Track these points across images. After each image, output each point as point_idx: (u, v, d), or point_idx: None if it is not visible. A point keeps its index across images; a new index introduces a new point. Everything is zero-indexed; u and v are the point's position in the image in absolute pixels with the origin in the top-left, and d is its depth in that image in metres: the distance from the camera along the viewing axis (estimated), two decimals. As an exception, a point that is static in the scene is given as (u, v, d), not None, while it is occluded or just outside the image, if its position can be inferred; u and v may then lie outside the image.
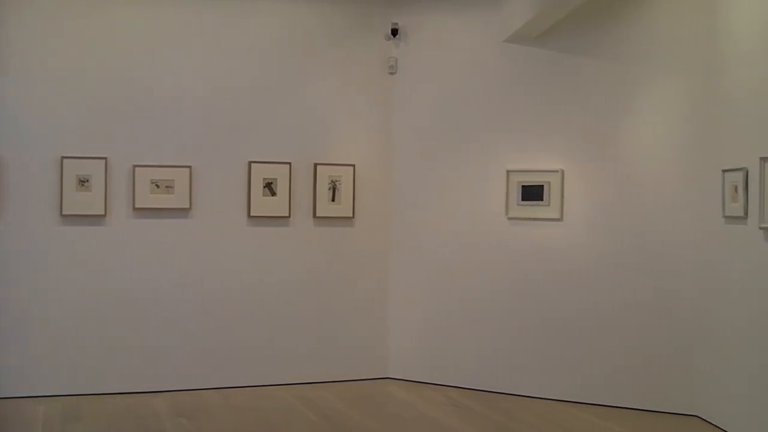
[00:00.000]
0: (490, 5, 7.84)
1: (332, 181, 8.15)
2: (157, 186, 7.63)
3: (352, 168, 8.20)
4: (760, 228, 5.96)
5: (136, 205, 7.58)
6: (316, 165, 8.09)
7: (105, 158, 7.50)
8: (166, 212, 7.68)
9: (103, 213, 7.50)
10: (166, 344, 7.70)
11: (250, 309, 7.94)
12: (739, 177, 6.29)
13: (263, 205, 7.93)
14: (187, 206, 7.72)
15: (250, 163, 7.88)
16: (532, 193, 7.67)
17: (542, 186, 7.63)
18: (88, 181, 7.46)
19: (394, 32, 8.19)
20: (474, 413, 7.13)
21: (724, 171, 6.53)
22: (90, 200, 7.47)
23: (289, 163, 8.00)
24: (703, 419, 6.86)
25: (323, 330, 8.17)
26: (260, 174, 7.92)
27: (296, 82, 8.07)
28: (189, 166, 7.71)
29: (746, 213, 6.22)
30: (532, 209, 7.68)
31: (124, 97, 7.58)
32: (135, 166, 7.57)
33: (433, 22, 8.17)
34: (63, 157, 7.42)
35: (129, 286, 7.60)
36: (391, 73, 8.29)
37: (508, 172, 7.78)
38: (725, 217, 6.54)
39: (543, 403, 7.46)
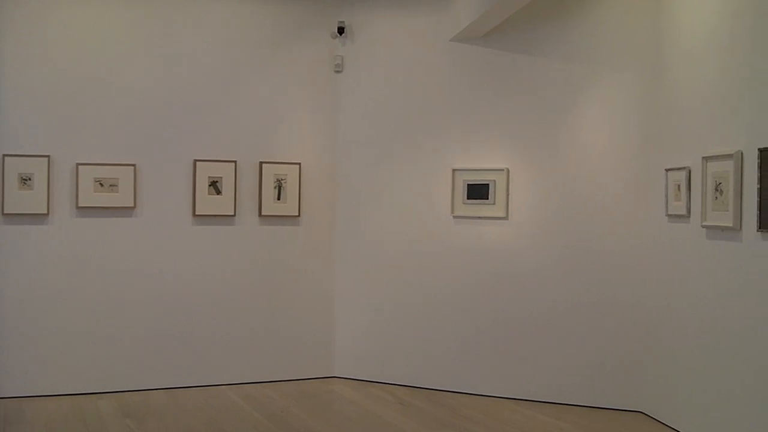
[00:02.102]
0: (437, 4, 7.88)
1: (278, 180, 8.12)
2: (101, 184, 7.53)
3: (297, 166, 8.18)
4: (702, 226, 6.06)
5: (80, 204, 7.48)
6: (261, 163, 8.06)
7: (48, 156, 7.38)
8: (110, 211, 7.58)
9: (45, 212, 7.39)
10: (111, 344, 7.61)
11: (195, 309, 7.88)
12: (681, 176, 6.40)
13: (208, 203, 7.88)
14: (132, 205, 7.63)
15: (195, 161, 7.83)
16: (478, 191, 7.72)
17: (487, 185, 7.68)
18: (30, 179, 7.34)
19: (341, 30, 8.19)
20: (420, 411, 7.15)
21: (667, 170, 6.63)
22: (32, 199, 7.35)
23: (235, 162, 7.96)
24: (647, 415, 6.97)
25: (269, 329, 8.14)
26: (205, 172, 7.87)
27: (242, 80, 8.02)
28: (133, 165, 7.63)
29: (689, 212, 6.33)
30: (478, 208, 7.73)
31: (68, 95, 7.47)
32: (78, 164, 7.46)
33: (380, 21, 8.18)
34: (5, 155, 7.29)
35: (71, 285, 7.49)
36: (338, 72, 8.29)
37: (453, 170, 7.82)
38: (668, 215, 6.65)
39: (489, 400, 7.52)
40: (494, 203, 7.67)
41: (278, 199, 8.14)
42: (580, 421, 6.86)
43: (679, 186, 6.44)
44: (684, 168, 6.35)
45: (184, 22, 7.83)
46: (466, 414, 7.03)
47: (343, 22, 8.20)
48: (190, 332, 7.86)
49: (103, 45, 7.59)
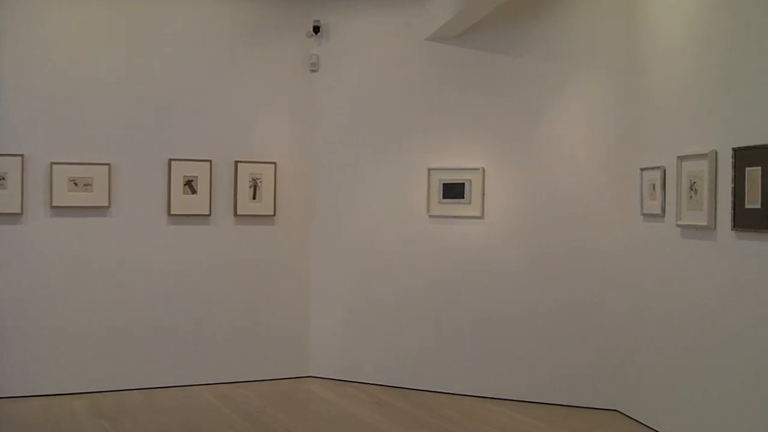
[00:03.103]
0: (412, 4, 7.88)
1: (253, 179, 8.10)
2: (76, 184, 7.48)
3: (273, 166, 8.17)
4: (677, 225, 6.10)
5: (54, 204, 7.42)
6: (237, 163, 8.03)
7: (21, 155, 7.31)
8: (85, 210, 7.53)
9: (19, 211, 7.33)
10: (85, 344, 7.55)
11: (170, 309, 7.84)
12: (656, 175, 6.43)
13: (183, 203, 7.85)
14: (106, 204, 7.59)
15: (170, 160, 7.79)
16: (453, 190, 7.74)
17: (463, 184, 7.70)
18: (4, 178, 7.27)
19: (316, 30, 8.18)
20: (397, 410, 7.16)
21: (642, 169, 6.67)
22: (6, 198, 7.28)
23: (210, 161, 7.93)
24: (622, 413, 7.01)
25: (245, 329, 8.11)
26: (180, 172, 7.83)
27: (217, 79, 7.99)
28: (108, 164, 7.58)
29: (664, 211, 6.37)
30: (454, 207, 7.75)
31: (42, 94, 7.42)
32: (52, 163, 7.40)
33: (355, 20, 8.18)
34: (-23, 154, 7.25)
35: (46, 285, 7.43)
36: (313, 71, 8.28)
37: (429, 170, 7.83)
38: (643, 215, 6.69)
39: (465, 399, 7.53)
40: (470, 203, 7.68)
41: (254, 198, 8.11)
42: (557, 419, 6.88)
43: (654, 185, 6.48)
44: (659, 167, 6.39)
45: (158, 21, 7.79)
46: (444, 413, 7.04)
47: (318, 21, 8.19)
48: (164, 332, 7.82)
49: (77, 44, 7.54)
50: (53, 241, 7.46)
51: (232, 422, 6.70)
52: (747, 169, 5.20)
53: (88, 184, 7.52)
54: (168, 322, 7.83)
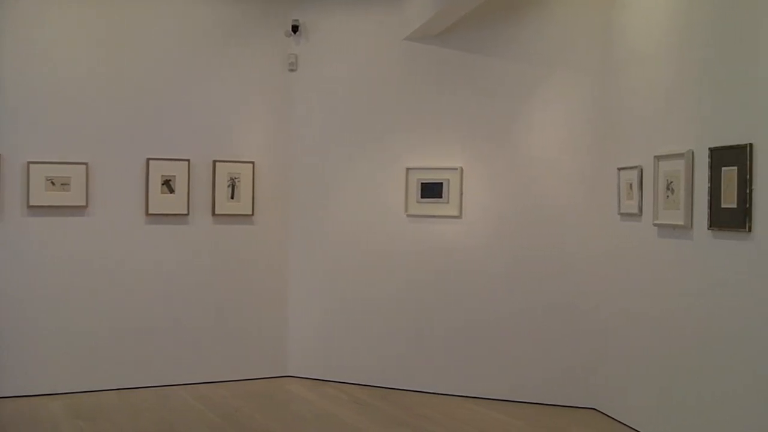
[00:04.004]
0: (390, 4, 7.89)
1: (231, 179, 8.08)
2: (53, 183, 7.44)
3: (251, 165, 8.15)
4: (654, 225, 6.14)
5: (31, 203, 7.38)
6: (215, 162, 8.02)
7: (-2, 155, 7.31)
8: (62, 210, 7.49)
9: (-4, 211, 7.31)
10: (62, 345, 7.51)
11: (148, 309, 7.81)
12: (633, 175, 6.47)
13: (161, 202, 7.82)
14: (84, 204, 7.55)
15: (148, 159, 7.76)
16: (432, 190, 7.75)
17: (441, 183, 7.71)
18: (-20, 178, 7.25)
19: (295, 29, 8.17)
20: (375, 409, 7.17)
21: (619, 169, 6.71)
22: (-18, 198, 7.26)
23: (188, 160, 7.91)
24: (600, 411, 7.05)
25: (222, 328, 8.10)
26: (158, 171, 7.81)
27: (195, 79, 7.97)
28: (85, 163, 7.54)
29: (641, 210, 6.40)
30: (432, 206, 7.76)
31: (19, 92, 7.37)
32: (29, 162, 7.36)
33: (334, 20, 8.18)
34: (-47, 154, 7.21)
35: (22, 285, 7.39)
36: (291, 70, 8.27)
37: (407, 169, 7.84)
38: (621, 214, 6.72)
39: (443, 398, 7.54)
40: (448, 202, 7.70)
41: (232, 198, 8.10)
42: (535, 418, 6.91)
43: (631, 185, 6.52)
44: (636, 167, 6.43)
45: (136, 20, 7.76)
46: (423, 413, 7.05)
47: (297, 20, 8.18)
48: (142, 332, 7.78)
49: (55, 43, 7.49)
50: (30, 241, 7.42)
51: (210, 422, 6.68)
52: (723, 168, 5.23)
53: (65, 184, 7.48)
54: (146, 322, 7.80)
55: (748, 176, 4.98)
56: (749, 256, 5.03)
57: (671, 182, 5.87)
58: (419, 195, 7.81)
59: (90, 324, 7.61)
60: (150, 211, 7.78)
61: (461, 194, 7.65)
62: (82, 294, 7.58)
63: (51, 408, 7.03)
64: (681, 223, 5.73)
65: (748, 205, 4.99)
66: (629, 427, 6.55)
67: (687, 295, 5.71)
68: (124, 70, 7.71)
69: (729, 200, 5.18)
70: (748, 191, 4.99)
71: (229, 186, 8.08)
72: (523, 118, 7.45)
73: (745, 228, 5.02)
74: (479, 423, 6.76)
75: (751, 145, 4.97)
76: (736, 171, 5.10)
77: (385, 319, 7.94)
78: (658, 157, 6.06)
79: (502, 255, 7.48)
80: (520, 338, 7.41)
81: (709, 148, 5.37)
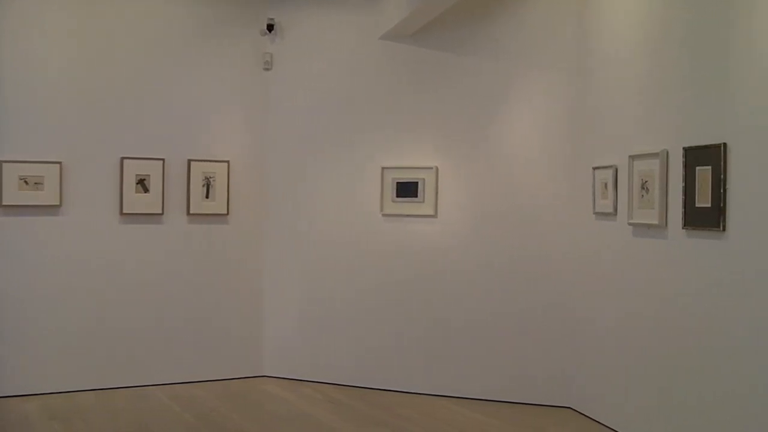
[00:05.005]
0: (366, 3, 7.89)
1: (206, 178, 8.06)
2: (26, 182, 7.38)
3: (226, 164, 8.13)
4: (629, 224, 6.17)
5: (4, 202, 7.31)
6: (190, 161, 7.98)
7: (-30, 154, 7.25)
8: (36, 209, 7.44)
9: (-33, 210, 7.25)
10: (35, 345, 7.46)
11: (123, 308, 7.77)
12: (608, 174, 6.50)
13: (136, 201, 7.78)
14: (58, 203, 7.50)
15: (122, 159, 7.72)
16: (407, 189, 7.76)
17: (417, 183, 7.72)
18: (-48, 177, 7.19)
19: (270, 28, 8.15)
20: (351, 409, 7.17)
21: (594, 168, 6.74)
22: (-45, 197, 7.20)
23: (163, 159, 7.87)
24: (575, 410, 7.08)
25: (198, 328, 8.07)
26: (133, 170, 7.77)
27: (170, 77, 7.94)
28: (59, 162, 7.49)
29: (616, 210, 6.43)
30: (407, 206, 7.77)
31: (-10, 91, 7.33)
32: (2, 161, 7.30)
33: (309, 19, 8.17)
34: (-75, 153, 7.13)
35: (-5, 286, 7.36)
36: (266, 69, 8.25)
37: (383, 168, 7.84)
38: (596, 213, 6.75)
39: (418, 397, 7.55)
40: (423, 201, 7.71)
41: (207, 197, 8.07)
42: (511, 417, 6.94)
43: (606, 184, 6.55)
44: (611, 166, 6.46)
45: (110, 18, 7.72)
46: (400, 412, 7.05)
47: (272, 19, 8.16)
48: (117, 332, 7.75)
49: (27, 40, 7.43)
50: (2, 241, 7.35)
51: (186, 423, 6.66)
52: (697, 168, 5.27)
53: (39, 183, 7.42)
54: (120, 321, 7.76)
55: (722, 176, 5.02)
56: (723, 255, 5.06)
57: (646, 182, 5.90)
58: (395, 194, 7.82)
59: (64, 324, 7.56)
60: (124, 211, 7.74)
61: (437, 193, 7.66)
62: (56, 294, 7.53)
63: (25, 409, 6.98)
64: (655, 222, 5.76)
65: (722, 205, 5.03)
66: (604, 425, 6.59)
67: (661, 295, 5.75)
68: (97, 69, 7.66)
69: (703, 200, 5.21)
70: (722, 191, 5.03)
71: (204, 185, 8.05)
72: (499, 118, 7.47)
73: (719, 227, 5.05)
74: (456, 422, 6.77)
75: (725, 144, 5.01)
76: (710, 170, 5.13)
77: (362, 318, 7.94)
78: (632, 157, 6.09)
79: (478, 255, 7.50)
80: (497, 337, 7.43)
81: (684, 148, 5.41)
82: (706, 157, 5.17)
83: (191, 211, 8.01)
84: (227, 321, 8.19)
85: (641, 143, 6.02)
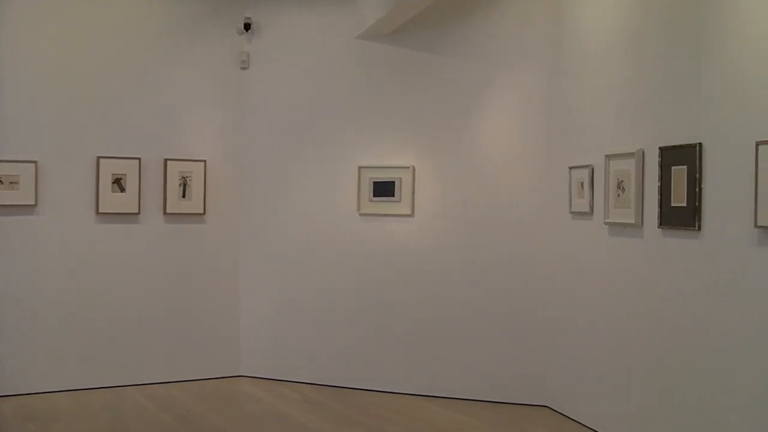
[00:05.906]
0: (343, 2, 7.88)
1: (183, 177, 8.03)
2: (1, 182, 7.33)
3: (203, 164, 8.11)
4: (605, 223, 6.21)
5: (-21, 202, 7.30)
6: (166, 160, 7.96)
7: (-56, 153, 7.19)
8: (11, 209, 7.39)
9: (-58, 210, 7.19)
10: (11, 346, 7.41)
11: (99, 308, 7.74)
12: (584, 174, 6.53)
13: (112, 201, 7.75)
14: (33, 203, 7.45)
15: (98, 158, 7.68)
16: (384, 188, 7.76)
17: (393, 182, 7.73)
18: (-74, 177, 7.13)
19: (247, 27, 8.14)
20: (328, 408, 7.17)
21: (570, 168, 6.77)
22: (-71, 197, 7.14)
23: (139, 159, 7.84)
24: (552, 409, 7.11)
25: (174, 328, 8.05)
26: (109, 169, 7.73)
27: (146, 76, 7.91)
28: (35, 161, 7.44)
29: (592, 209, 6.47)
30: (384, 205, 7.78)
31: (-35, 90, 7.28)
32: (-23, 161, 7.29)
33: (287, 18, 8.16)
34: None
35: (-30, 286, 7.30)
36: (243, 68, 8.24)
37: (359, 168, 7.84)
38: (572, 213, 6.78)
39: (395, 397, 7.56)
40: (400, 201, 7.72)
41: (183, 196, 8.05)
42: (488, 415, 6.96)
43: (582, 184, 6.58)
44: (587, 166, 6.49)
45: (86, 17, 7.68)
46: (376, 412, 7.06)
47: (249, 18, 8.15)
48: (93, 332, 7.71)
49: (4, 39, 7.37)
50: (-22, 240, 7.32)
51: (162, 423, 6.64)
52: (673, 168, 5.31)
53: (14, 182, 7.37)
54: (97, 322, 7.72)
55: (697, 175, 5.06)
56: (699, 254, 5.10)
57: (622, 181, 5.93)
58: (371, 194, 7.82)
59: (39, 324, 7.52)
60: (100, 210, 7.70)
61: (413, 193, 7.67)
62: (30, 294, 7.48)
63: (0, 410, 6.93)
64: (632, 221, 5.80)
65: (697, 204, 5.07)
66: (580, 423, 6.62)
67: (637, 294, 5.79)
68: (73, 68, 7.63)
69: (679, 199, 5.25)
70: (697, 190, 5.07)
71: (180, 185, 8.03)
72: (475, 118, 7.49)
73: (694, 226, 5.10)
74: (433, 421, 6.79)
75: (700, 144, 5.05)
76: (686, 170, 5.18)
77: (339, 318, 7.94)
78: (608, 156, 6.13)
79: (454, 254, 7.51)
80: (473, 336, 7.44)
81: (660, 148, 5.45)
82: (682, 157, 5.21)
83: (168, 211, 7.98)
84: (204, 321, 8.17)
85: (617, 143, 6.06)
